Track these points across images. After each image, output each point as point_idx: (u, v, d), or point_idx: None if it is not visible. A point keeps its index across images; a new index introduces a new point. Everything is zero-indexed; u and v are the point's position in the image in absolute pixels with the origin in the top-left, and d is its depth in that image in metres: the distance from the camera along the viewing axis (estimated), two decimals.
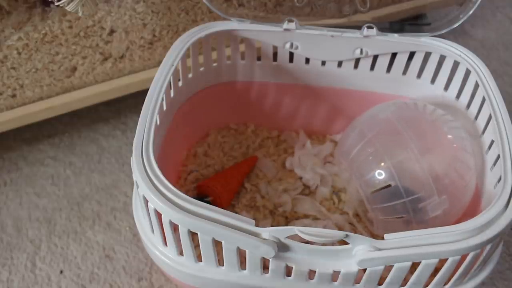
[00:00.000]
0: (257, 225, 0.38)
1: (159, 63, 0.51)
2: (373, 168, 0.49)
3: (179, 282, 0.46)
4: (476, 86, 0.51)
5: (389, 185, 0.49)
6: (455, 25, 0.54)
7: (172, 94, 0.53)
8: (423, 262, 0.38)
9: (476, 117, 0.52)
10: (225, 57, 0.58)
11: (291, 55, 0.58)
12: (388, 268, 0.39)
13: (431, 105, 0.53)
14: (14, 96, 0.61)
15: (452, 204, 0.48)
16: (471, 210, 0.49)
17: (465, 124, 0.53)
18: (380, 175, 0.49)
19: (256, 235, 0.38)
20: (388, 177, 0.48)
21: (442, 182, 0.48)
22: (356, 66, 0.59)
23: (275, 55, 0.59)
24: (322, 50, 0.57)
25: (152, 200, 0.39)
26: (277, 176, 0.62)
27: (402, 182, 0.48)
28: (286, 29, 0.55)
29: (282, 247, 0.39)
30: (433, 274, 0.40)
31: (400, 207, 0.49)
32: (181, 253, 0.43)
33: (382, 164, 0.49)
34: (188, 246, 0.42)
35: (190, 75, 0.56)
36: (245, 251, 0.39)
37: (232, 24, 0.55)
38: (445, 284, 0.42)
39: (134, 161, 0.41)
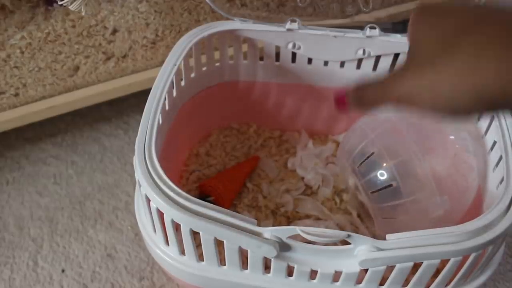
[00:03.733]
0: (258, 225, 0.38)
1: (161, 62, 0.51)
2: (375, 168, 0.49)
3: (181, 281, 0.46)
4: None
5: (390, 185, 0.49)
6: None
7: (174, 94, 0.53)
8: (425, 262, 0.38)
9: (479, 118, 0.52)
10: (228, 57, 0.58)
11: (294, 55, 0.58)
12: (390, 269, 0.39)
13: None
14: (17, 95, 0.61)
15: (453, 204, 0.48)
16: (474, 211, 0.49)
17: (467, 125, 0.53)
18: (381, 175, 0.49)
19: (258, 234, 0.38)
20: (389, 178, 0.49)
21: (443, 182, 0.48)
22: (358, 67, 0.58)
23: (277, 55, 0.59)
24: (325, 50, 0.57)
25: (154, 199, 0.39)
26: (279, 176, 0.62)
27: (403, 183, 0.48)
28: (288, 29, 0.55)
29: (284, 247, 0.39)
30: (435, 275, 0.40)
31: (401, 207, 0.49)
32: (183, 253, 0.43)
33: (384, 164, 0.49)
34: (190, 246, 0.42)
35: (192, 75, 0.56)
36: (247, 251, 0.40)
37: (235, 24, 0.55)
38: (446, 285, 0.42)
39: (137, 160, 0.41)
